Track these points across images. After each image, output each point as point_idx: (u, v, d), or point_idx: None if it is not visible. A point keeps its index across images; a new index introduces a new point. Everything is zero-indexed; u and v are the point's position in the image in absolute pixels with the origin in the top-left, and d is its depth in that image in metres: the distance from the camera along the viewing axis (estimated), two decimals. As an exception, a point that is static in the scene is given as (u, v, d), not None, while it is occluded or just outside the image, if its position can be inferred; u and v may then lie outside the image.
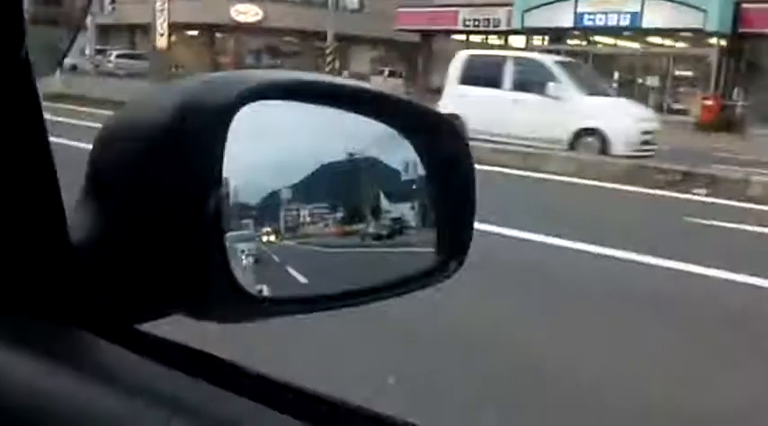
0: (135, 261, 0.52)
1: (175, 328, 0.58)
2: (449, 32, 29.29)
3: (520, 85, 11.54)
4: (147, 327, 0.55)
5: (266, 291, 0.55)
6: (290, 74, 0.59)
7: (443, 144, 0.64)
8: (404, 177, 0.63)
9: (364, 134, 0.62)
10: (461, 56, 12.69)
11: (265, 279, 0.55)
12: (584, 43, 26.66)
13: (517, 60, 12.19)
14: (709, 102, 22.32)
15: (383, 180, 0.62)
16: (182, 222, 0.49)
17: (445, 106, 11.38)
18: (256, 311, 0.55)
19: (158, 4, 31.95)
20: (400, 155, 0.63)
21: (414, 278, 0.63)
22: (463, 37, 29.78)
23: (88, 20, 30.66)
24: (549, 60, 12.13)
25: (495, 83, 11.66)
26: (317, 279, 0.58)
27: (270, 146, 0.57)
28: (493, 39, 30.41)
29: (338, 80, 0.63)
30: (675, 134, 16.52)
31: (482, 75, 11.83)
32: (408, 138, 0.64)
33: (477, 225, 0.63)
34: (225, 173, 0.50)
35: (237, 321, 0.58)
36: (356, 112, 0.60)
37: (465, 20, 28.86)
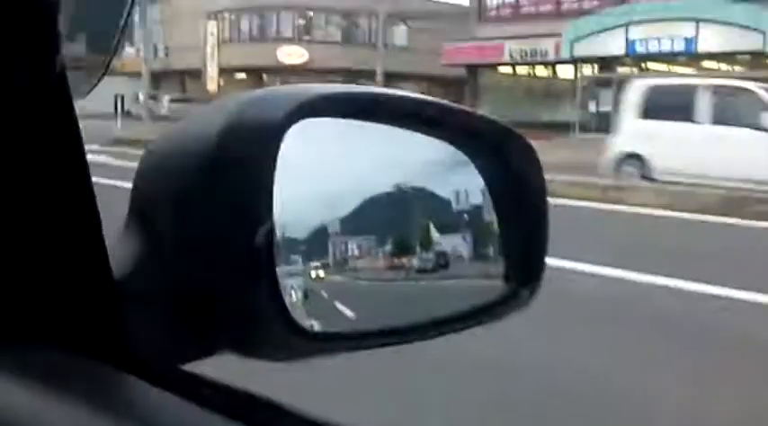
0: (179, 296, 0.51)
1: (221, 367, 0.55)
2: (495, 65, 29.05)
3: (721, 118, 10.16)
4: (191, 366, 0.53)
5: (318, 327, 0.53)
6: (340, 87, 0.57)
7: (513, 160, 0.61)
8: (455, 207, 0.61)
9: (420, 155, 0.61)
10: (640, 86, 11.16)
11: (315, 315, 0.53)
12: (636, 70, 26.02)
13: (716, 89, 10.79)
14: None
15: (433, 210, 0.60)
16: (231, 256, 0.48)
17: (622, 144, 10.56)
18: (309, 348, 0.53)
19: (208, 49, 32.67)
20: (460, 176, 0.61)
21: (480, 310, 0.60)
22: (509, 69, 29.51)
23: (142, 67, 31.53)
24: (759, 88, 10.49)
25: (687, 116, 10.31)
26: (369, 314, 0.57)
27: (317, 172, 0.56)
28: (540, 70, 30.05)
29: (394, 91, 0.60)
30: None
31: (670, 107, 10.39)
32: (472, 156, 0.61)
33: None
34: (276, 211, 0.49)
35: (288, 359, 0.55)
36: (415, 127, 0.59)
37: (512, 52, 28.61)
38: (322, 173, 0.56)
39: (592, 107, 26.54)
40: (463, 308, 0.60)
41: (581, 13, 27.07)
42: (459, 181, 0.61)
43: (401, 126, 0.59)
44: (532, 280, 0.61)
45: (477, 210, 0.62)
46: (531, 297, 0.60)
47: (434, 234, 0.60)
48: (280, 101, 0.52)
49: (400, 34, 26.80)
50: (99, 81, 0.78)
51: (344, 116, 0.55)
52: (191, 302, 0.50)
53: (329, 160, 0.57)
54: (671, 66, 25.77)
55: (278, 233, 0.50)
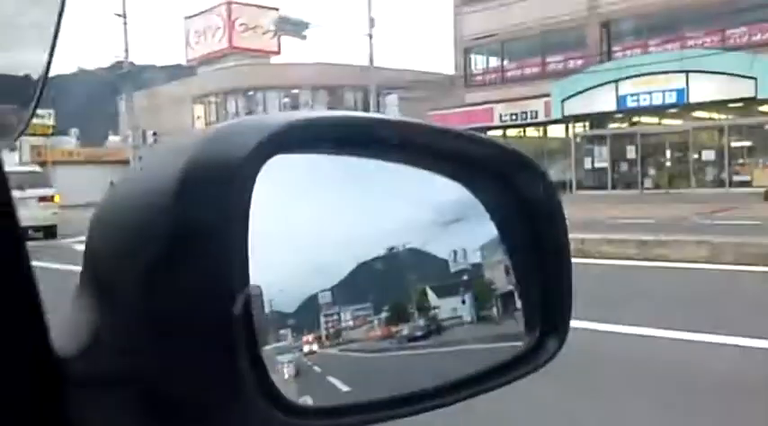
0: (139, 379, 0.45)
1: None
2: (485, 129, 28.87)
3: None
4: None
5: (309, 402, 0.49)
6: (319, 113, 0.51)
7: (528, 195, 0.56)
8: (453, 268, 0.57)
9: (418, 199, 0.56)
10: None
11: (308, 391, 0.50)
12: (626, 125, 25.83)
13: None
14: (781, 170, 20.96)
15: (429, 273, 0.57)
16: (203, 328, 0.43)
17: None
18: None
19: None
20: (464, 223, 0.57)
21: (496, 369, 0.56)
22: (500, 132, 29.34)
23: (131, 153, 31.23)
24: None
25: None
26: (368, 386, 0.52)
27: (298, 225, 0.51)
28: (530, 131, 29.87)
29: (383, 117, 0.54)
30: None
31: None
32: (478, 191, 0.57)
33: None
34: (254, 280, 0.45)
35: None
36: (412, 160, 0.54)
37: (502, 115, 28.55)
38: (304, 226, 0.51)
39: (587, 164, 26.16)
40: (474, 371, 0.55)
41: (567, 72, 27.12)
42: (461, 231, 0.57)
43: (394, 159, 0.53)
44: (558, 329, 0.56)
45: (476, 269, 0.58)
46: (558, 349, 0.55)
47: (432, 298, 0.56)
48: (250, 132, 0.44)
49: (392, 104, 26.68)
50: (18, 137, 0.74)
51: (325, 147, 0.49)
52: (152, 385, 0.44)
53: (311, 209, 0.51)
54: (662, 118, 25.56)
55: (266, 307, 0.47)
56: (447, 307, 0.56)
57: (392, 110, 28.77)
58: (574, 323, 0.59)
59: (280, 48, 46.18)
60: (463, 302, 0.57)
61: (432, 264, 0.56)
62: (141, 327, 0.44)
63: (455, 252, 0.57)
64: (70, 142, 42.99)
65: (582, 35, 28.12)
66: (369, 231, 0.54)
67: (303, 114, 0.48)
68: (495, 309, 0.59)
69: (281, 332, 0.49)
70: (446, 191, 0.58)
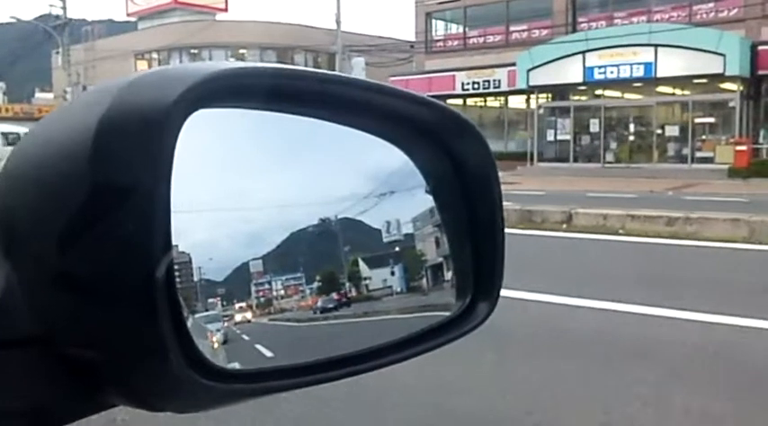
0: (54, 341, 0.44)
1: None
2: (446, 97, 28.23)
3: None
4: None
5: (234, 367, 0.49)
6: (250, 64, 0.47)
7: (466, 160, 0.56)
8: (385, 238, 0.58)
9: (352, 163, 0.56)
10: None
11: (236, 359, 0.50)
12: (588, 97, 25.63)
13: None
14: (743, 147, 21.14)
15: (362, 243, 0.57)
16: (122, 292, 0.41)
17: None
18: (221, 391, 0.46)
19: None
20: (399, 180, 0.57)
21: (427, 333, 0.56)
22: (460, 101, 28.77)
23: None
24: None
25: None
26: (292, 354, 0.52)
27: (227, 195, 0.49)
28: (491, 101, 29.41)
29: (321, 71, 0.51)
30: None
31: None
32: (414, 153, 0.56)
33: None
34: (183, 247, 0.45)
35: (198, 407, 0.49)
36: (348, 121, 0.53)
37: (464, 83, 27.95)
38: (232, 189, 0.49)
39: (549, 136, 25.88)
40: (404, 335, 0.56)
41: (530, 42, 26.64)
42: (396, 201, 0.57)
43: (331, 118, 0.52)
44: (489, 294, 0.57)
45: (408, 240, 0.59)
46: (488, 314, 0.56)
47: (364, 269, 0.57)
48: (170, 83, 0.41)
49: (359, 65, 25.57)
50: None
51: (257, 101, 0.47)
52: (65, 344, 0.43)
53: (240, 171, 0.49)
54: (626, 92, 25.45)
55: (195, 275, 0.47)
56: (378, 278, 0.57)
57: (359, 72, 27.74)
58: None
59: (227, 5, 44.19)
60: (392, 273, 0.58)
61: (365, 234, 0.56)
62: (56, 287, 0.43)
63: (388, 223, 0.57)
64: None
65: (548, 5, 27.65)
66: (302, 198, 0.53)
67: (233, 64, 0.45)
68: (424, 280, 0.60)
69: (210, 301, 0.48)
70: (384, 157, 0.57)
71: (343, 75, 0.51)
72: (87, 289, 0.41)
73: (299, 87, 0.48)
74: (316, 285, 0.53)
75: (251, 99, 0.46)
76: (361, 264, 0.56)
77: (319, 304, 0.54)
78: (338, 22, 25.34)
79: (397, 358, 0.53)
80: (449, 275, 0.59)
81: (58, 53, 36.20)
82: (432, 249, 0.59)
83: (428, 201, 0.59)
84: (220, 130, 0.47)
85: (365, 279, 0.56)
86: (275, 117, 0.49)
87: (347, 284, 0.55)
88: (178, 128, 0.41)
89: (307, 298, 0.52)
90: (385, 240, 0.57)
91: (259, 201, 0.50)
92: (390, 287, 0.57)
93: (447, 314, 0.58)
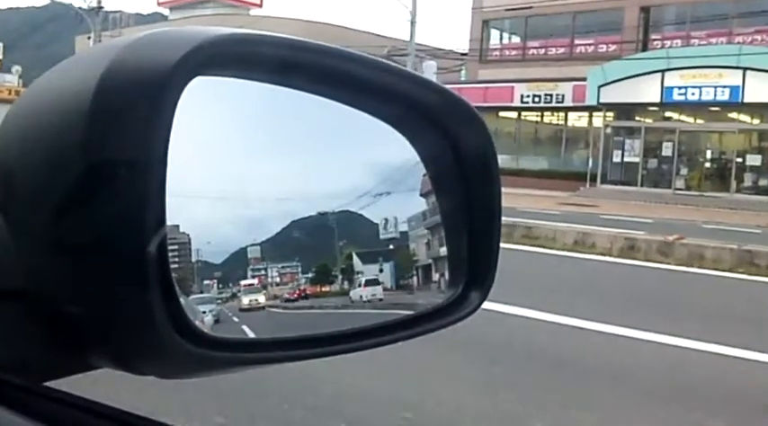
0: (44, 301, 0.45)
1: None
2: (501, 109, 26.70)
3: None
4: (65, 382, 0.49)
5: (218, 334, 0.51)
6: (259, 32, 0.46)
7: (469, 147, 0.56)
8: (382, 235, 0.59)
9: (358, 148, 0.56)
10: None
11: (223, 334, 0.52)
12: (654, 119, 24.17)
13: None
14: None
15: (359, 238, 0.59)
16: (114, 262, 0.42)
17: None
18: (208, 358, 0.46)
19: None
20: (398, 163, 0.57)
21: (419, 318, 0.57)
22: (515, 114, 27.25)
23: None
24: None
25: None
26: (280, 334, 0.55)
27: (227, 173, 0.49)
28: (547, 116, 27.91)
29: (334, 46, 0.50)
30: None
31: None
32: (414, 137, 0.56)
33: None
34: (183, 228, 0.46)
35: (182, 373, 0.50)
36: (355, 101, 0.52)
37: (523, 96, 26.46)
38: (233, 168, 0.48)
39: (616, 157, 24.38)
40: (394, 319, 0.57)
41: (596, 57, 25.15)
42: (394, 198, 0.58)
43: (338, 97, 0.52)
44: (483, 282, 0.57)
45: (403, 239, 0.60)
46: (481, 302, 0.57)
47: (357, 263, 0.58)
48: (169, 47, 0.40)
49: (430, 69, 24.09)
50: None
51: (262, 72, 0.46)
52: (52, 301, 0.44)
53: (241, 149, 0.48)
54: (698, 118, 24.00)
55: (192, 257, 0.48)
56: (370, 274, 0.58)
57: (430, 76, 26.19)
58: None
59: (262, 1, 42.65)
60: (381, 271, 0.59)
61: (362, 229, 0.58)
62: (50, 251, 0.44)
63: (386, 220, 0.58)
64: (11, 81, 38.42)
65: (618, 19, 26.23)
66: (303, 187, 0.54)
67: (238, 30, 0.44)
68: (414, 279, 0.61)
69: (206, 282, 0.50)
70: (387, 149, 0.58)
71: (350, 50, 0.49)
72: (81, 256, 0.42)
73: (305, 59, 0.47)
74: (310, 275, 0.55)
75: (255, 68, 0.45)
76: (356, 259, 0.57)
77: (308, 292, 0.55)
78: (413, 23, 23.93)
79: (383, 340, 0.54)
80: (436, 277, 0.61)
81: (88, 38, 34.64)
82: (423, 251, 0.60)
83: (423, 204, 0.60)
84: (222, 101, 0.46)
85: (357, 273, 0.57)
86: (278, 91, 0.48)
87: (340, 277, 0.56)
88: (178, 93, 0.40)
89: (300, 287, 0.54)
90: (381, 237, 0.58)
91: (260, 188, 0.50)
92: (381, 282, 0.58)
93: (438, 301, 0.59)
